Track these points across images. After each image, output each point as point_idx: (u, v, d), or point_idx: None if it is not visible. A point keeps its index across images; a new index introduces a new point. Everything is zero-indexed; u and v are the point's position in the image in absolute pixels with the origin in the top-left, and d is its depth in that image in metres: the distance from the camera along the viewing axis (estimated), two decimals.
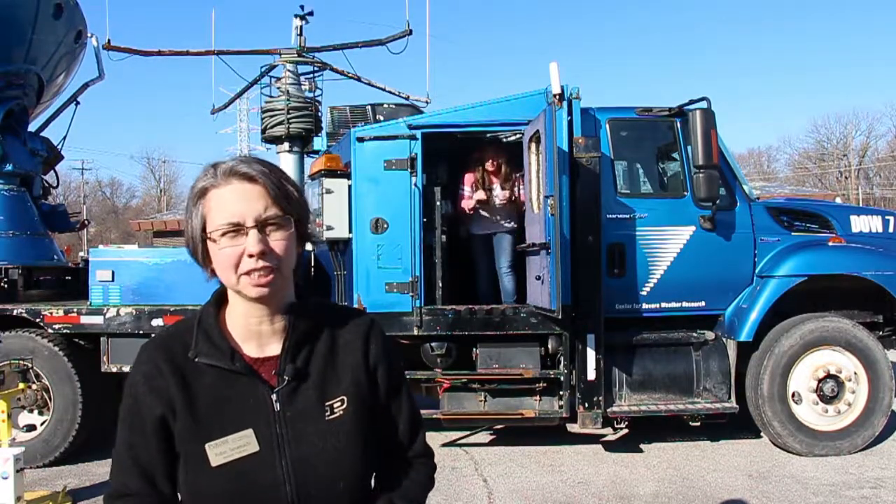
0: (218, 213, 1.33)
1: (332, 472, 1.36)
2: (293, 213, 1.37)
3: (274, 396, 1.36)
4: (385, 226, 5.90)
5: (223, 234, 1.31)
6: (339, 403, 1.40)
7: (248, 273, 1.31)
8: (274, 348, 1.40)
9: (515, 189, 6.42)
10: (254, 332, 1.40)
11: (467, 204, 6.44)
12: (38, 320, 6.12)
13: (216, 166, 1.37)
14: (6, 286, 6.88)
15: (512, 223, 6.55)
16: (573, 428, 6.36)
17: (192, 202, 1.37)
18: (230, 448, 1.33)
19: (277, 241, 1.33)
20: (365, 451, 1.41)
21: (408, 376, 6.00)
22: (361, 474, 1.41)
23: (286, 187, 1.37)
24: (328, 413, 1.38)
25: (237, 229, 1.31)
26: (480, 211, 6.55)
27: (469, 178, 6.49)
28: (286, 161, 8.35)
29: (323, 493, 1.35)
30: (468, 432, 6.71)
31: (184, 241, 1.43)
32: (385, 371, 1.48)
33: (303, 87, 8.57)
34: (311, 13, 8.63)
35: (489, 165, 6.42)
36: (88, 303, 6.25)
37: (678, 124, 6.10)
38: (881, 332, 6.34)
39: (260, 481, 1.32)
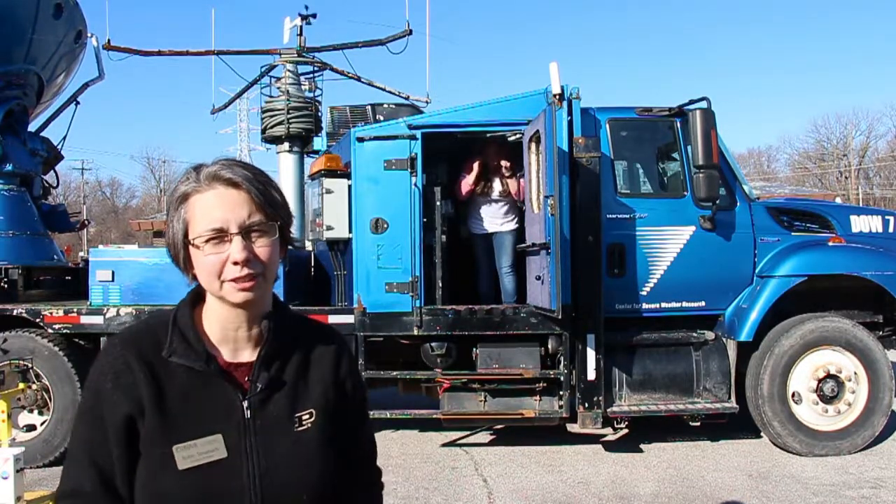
0: (201, 219, 1.30)
1: (297, 484, 1.35)
2: (277, 219, 1.35)
3: (245, 403, 1.34)
4: (385, 226, 5.90)
5: (206, 241, 1.29)
6: (307, 416, 1.39)
7: (231, 280, 1.30)
8: (248, 355, 1.39)
9: (516, 184, 6.39)
10: (230, 337, 1.38)
11: (465, 185, 6.39)
12: (38, 320, 6.12)
13: (198, 170, 1.34)
14: (6, 286, 6.88)
15: (513, 223, 6.54)
16: (573, 428, 6.36)
17: (173, 206, 1.34)
18: (198, 452, 1.30)
19: (262, 247, 1.32)
20: (330, 465, 1.40)
21: (408, 376, 6.09)
22: (325, 489, 1.40)
23: (270, 193, 1.35)
24: (297, 425, 1.37)
25: (221, 236, 1.29)
26: (481, 210, 6.54)
27: (469, 166, 6.45)
28: (286, 161, 8.36)
29: (287, 503, 1.34)
30: (468, 432, 6.71)
31: (166, 247, 1.40)
32: (353, 388, 1.49)
33: (303, 87, 8.58)
34: (314, 15, 8.63)
35: (491, 159, 6.39)
36: (88, 303, 6.25)
37: (678, 124, 6.10)
38: (881, 332, 6.33)
39: (225, 488, 1.30)
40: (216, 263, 1.29)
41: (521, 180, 6.32)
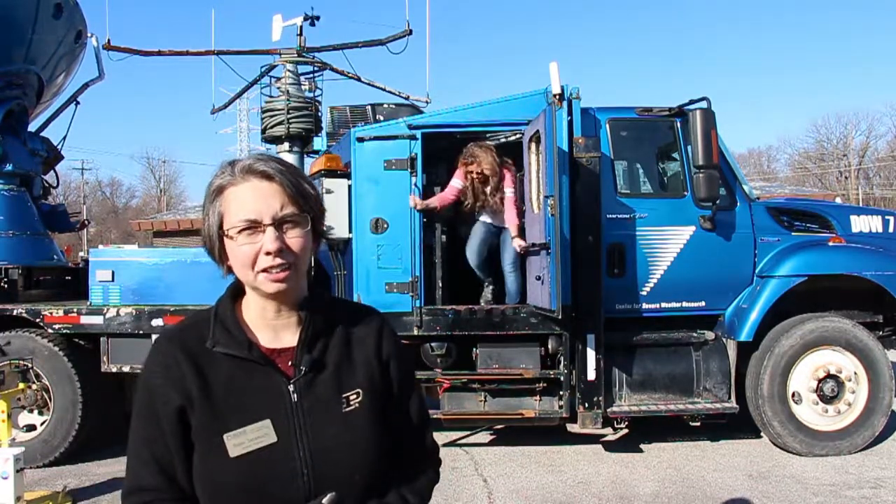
0: (235, 210, 1.35)
1: (349, 464, 1.37)
2: (309, 211, 1.39)
3: (291, 387, 1.38)
4: (385, 226, 5.91)
5: (240, 232, 1.33)
6: (354, 396, 1.41)
7: (265, 270, 1.34)
8: (289, 340, 1.42)
9: (502, 192, 6.03)
10: (270, 325, 1.42)
11: (441, 199, 6.07)
12: (38, 320, 6.12)
13: (233, 164, 1.39)
14: (6, 286, 6.88)
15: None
16: (573, 428, 6.36)
17: (208, 200, 1.39)
18: (248, 439, 1.33)
19: (294, 238, 1.36)
20: (379, 443, 1.42)
21: None
22: (376, 467, 1.42)
23: (303, 185, 1.40)
24: (344, 405, 1.40)
25: (254, 226, 1.33)
26: (474, 215, 6.36)
27: (458, 178, 6.09)
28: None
29: (339, 484, 1.35)
30: (468, 432, 6.71)
31: (202, 241, 1.44)
32: (397, 366, 1.51)
33: (303, 87, 8.55)
34: (317, 17, 8.60)
35: (476, 176, 5.99)
36: (88, 303, 6.25)
37: (678, 124, 6.10)
38: (881, 332, 6.33)
39: (277, 472, 1.33)
40: (249, 254, 1.34)
41: (504, 196, 6.00)
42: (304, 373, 1.39)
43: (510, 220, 5.99)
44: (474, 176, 6.03)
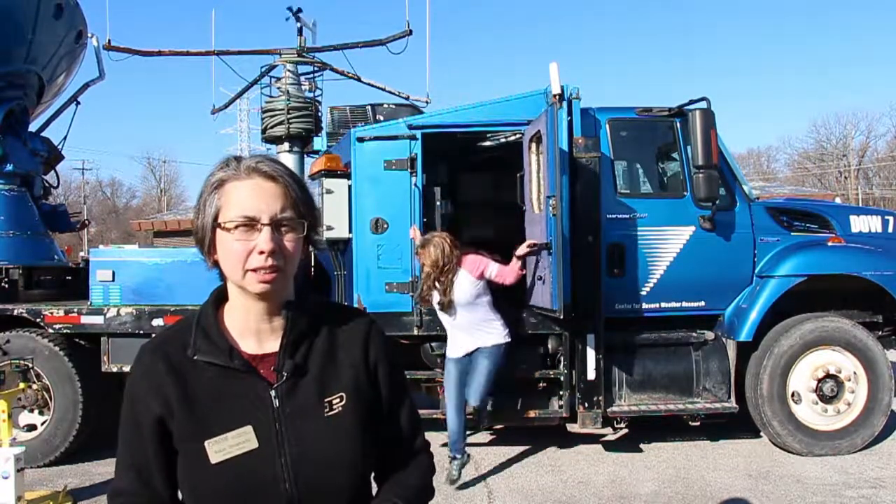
0: (235, 205, 1.34)
1: (332, 469, 1.37)
2: (307, 219, 1.39)
3: (273, 393, 1.37)
4: (385, 226, 5.91)
5: (236, 227, 1.33)
6: (338, 400, 1.40)
7: (254, 269, 1.33)
8: (273, 345, 1.41)
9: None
10: (253, 329, 1.41)
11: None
12: (38, 320, 6.13)
13: (238, 160, 1.39)
14: (6, 286, 6.88)
15: (496, 333, 5.37)
16: (573, 428, 6.37)
17: (207, 191, 1.38)
18: (230, 445, 1.33)
19: (288, 242, 1.35)
20: (364, 447, 1.41)
21: (408, 376, 6.05)
22: (360, 471, 1.42)
23: (305, 193, 1.40)
24: (327, 409, 1.39)
25: (251, 224, 1.33)
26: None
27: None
28: (286, 161, 8.32)
29: (322, 488, 1.35)
30: (468, 432, 6.70)
31: (192, 231, 1.44)
32: (386, 369, 1.49)
33: (303, 87, 8.55)
34: (300, 10, 8.56)
35: (433, 267, 5.28)
36: (89, 303, 6.25)
37: (678, 124, 6.10)
38: (881, 332, 6.34)
39: (260, 478, 1.33)
40: (242, 251, 1.33)
41: (494, 274, 5.31)
42: (285, 378, 1.37)
43: (512, 269, 5.43)
44: (424, 266, 5.39)
